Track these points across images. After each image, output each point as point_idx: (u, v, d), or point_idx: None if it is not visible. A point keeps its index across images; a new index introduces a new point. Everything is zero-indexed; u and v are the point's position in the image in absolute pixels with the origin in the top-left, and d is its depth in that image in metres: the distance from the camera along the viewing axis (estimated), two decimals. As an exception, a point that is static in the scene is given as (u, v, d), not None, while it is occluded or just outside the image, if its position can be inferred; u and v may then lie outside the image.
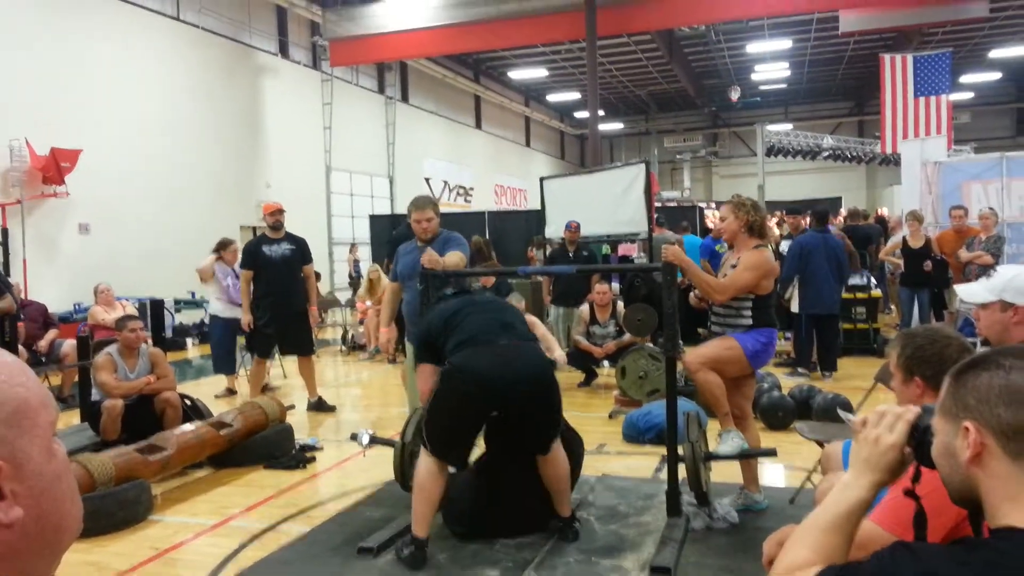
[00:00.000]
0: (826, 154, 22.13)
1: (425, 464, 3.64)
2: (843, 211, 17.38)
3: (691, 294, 4.44)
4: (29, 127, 10.90)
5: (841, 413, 3.28)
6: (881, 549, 1.17)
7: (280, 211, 7.10)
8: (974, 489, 1.18)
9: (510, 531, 3.89)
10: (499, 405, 3.63)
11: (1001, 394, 1.15)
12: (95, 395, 5.60)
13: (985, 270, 8.13)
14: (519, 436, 3.81)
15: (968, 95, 26.43)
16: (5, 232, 10.69)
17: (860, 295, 9.56)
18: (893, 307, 11.48)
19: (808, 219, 9.32)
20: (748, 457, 4.16)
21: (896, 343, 2.27)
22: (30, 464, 0.78)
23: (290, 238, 7.14)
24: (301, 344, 7.22)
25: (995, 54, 23.08)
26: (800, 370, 8.23)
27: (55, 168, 11.01)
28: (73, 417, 6.70)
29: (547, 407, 3.70)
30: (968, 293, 2.73)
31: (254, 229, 14.40)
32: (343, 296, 14.95)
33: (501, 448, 4.03)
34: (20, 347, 7.16)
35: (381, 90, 21.04)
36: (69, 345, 7.86)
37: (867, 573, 1.14)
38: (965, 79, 24.72)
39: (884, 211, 15.99)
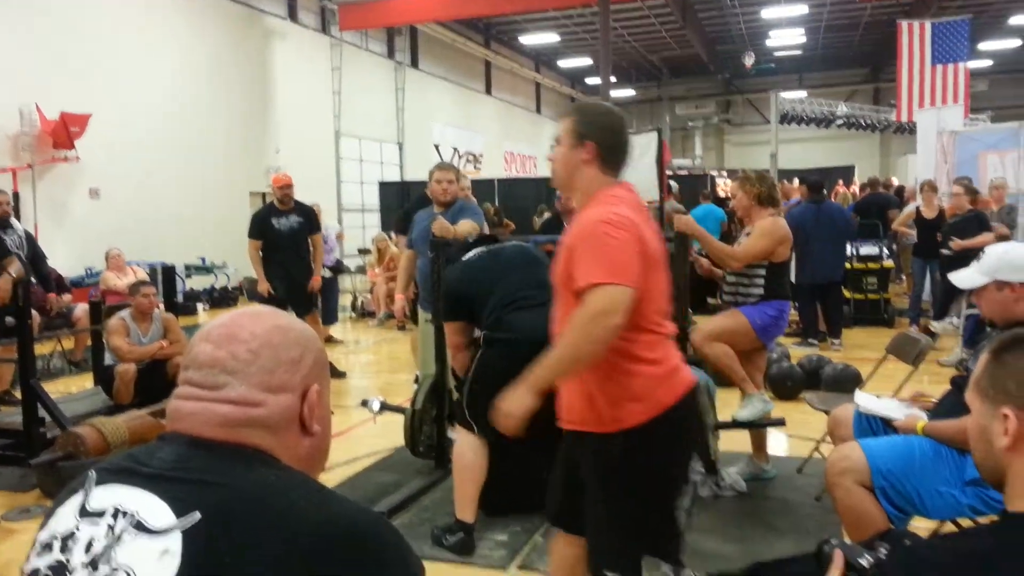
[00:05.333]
0: (840, 122, 21.80)
1: (467, 442, 3.43)
2: (856, 180, 17.19)
3: (697, 263, 4.44)
4: (39, 92, 10.87)
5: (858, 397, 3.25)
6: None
7: (289, 185, 7.05)
8: (1004, 472, 1.16)
9: (521, 506, 3.80)
10: None
11: None
12: (108, 359, 5.65)
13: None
14: None
15: (986, 63, 25.97)
16: (16, 197, 10.69)
17: (872, 265, 9.50)
18: (904, 277, 11.41)
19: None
20: (757, 427, 4.19)
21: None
22: (324, 398, 1.11)
23: (299, 209, 7.08)
24: (305, 303, 7.13)
25: (1014, 21, 22.63)
26: (810, 340, 8.22)
27: (65, 133, 10.99)
28: (86, 381, 6.77)
29: None
30: (961, 280, 2.66)
31: (263, 195, 14.39)
32: (353, 263, 14.96)
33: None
34: (33, 312, 7.20)
35: (391, 55, 20.85)
36: (81, 309, 7.89)
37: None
38: (983, 46, 24.26)
39: (894, 180, 15.77)
